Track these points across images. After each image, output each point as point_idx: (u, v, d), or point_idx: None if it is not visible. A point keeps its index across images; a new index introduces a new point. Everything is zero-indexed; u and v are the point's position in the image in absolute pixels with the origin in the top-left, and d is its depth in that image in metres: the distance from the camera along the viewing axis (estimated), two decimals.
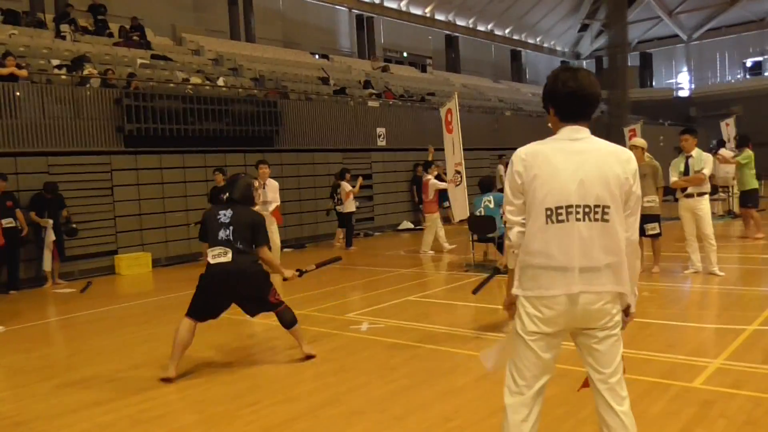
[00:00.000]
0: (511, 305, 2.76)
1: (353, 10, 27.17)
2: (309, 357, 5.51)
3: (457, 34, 32.54)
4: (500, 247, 6.31)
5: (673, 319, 6.24)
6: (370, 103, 18.26)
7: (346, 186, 13.56)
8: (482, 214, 9.77)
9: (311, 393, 4.75)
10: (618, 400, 2.62)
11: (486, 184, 10.24)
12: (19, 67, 11.26)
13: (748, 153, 11.84)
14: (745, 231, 11.85)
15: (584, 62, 40.67)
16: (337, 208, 13.78)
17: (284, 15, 24.72)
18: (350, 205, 13.64)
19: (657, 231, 8.47)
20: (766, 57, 36.42)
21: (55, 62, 13.09)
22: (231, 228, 5.19)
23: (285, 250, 12.90)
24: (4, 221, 9.76)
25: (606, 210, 2.53)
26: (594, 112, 2.69)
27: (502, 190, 7.06)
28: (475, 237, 10.19)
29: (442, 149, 11.51)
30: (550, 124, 2.75)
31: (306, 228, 15.16)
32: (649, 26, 38.56)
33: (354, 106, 17.55)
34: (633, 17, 34.77)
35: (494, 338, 5.90)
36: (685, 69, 39.35)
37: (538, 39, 38.30)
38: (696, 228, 8.36)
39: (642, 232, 7.62)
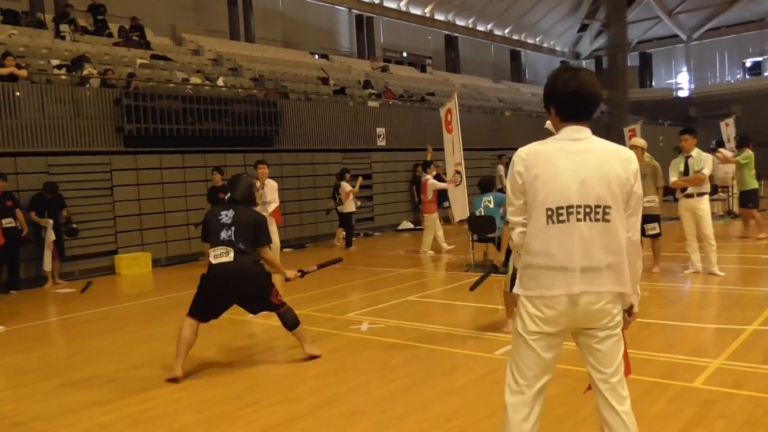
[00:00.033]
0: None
1: (353, 10, 27.17)
2: (312, 357, 5.52)
3: (456, 34, 32.55)
4: (500, 247, 6.31)
5: (673, 319, 6.25)
6: (370, 103, 18.26)
7: (345, 186, 13.56)
8: (482, 214, 9.76)
9: (311, 393, 4.75)
10: (619, 400, 2.62)
11: (486, 184, 10.23)
12: (18, 67, 11.25)
13: (748, 153, 11.83)
14: (745, 231, 11.85)
15: (584, 62, 40.67)
16: (338, 208, 13.79)
17: (284, 15, 24.72)
18: (350, 206, 13.64)
19: (657, 231, 8.48)
20: (765, 57, 36.44)
21: (55, 62, 13.08)
22: (233, 228, 5.19)
23: (285, 250, 12.91)
24: (4, 221, 9.77)
25: (607, 210, 2.53)
26: (595, 112, 2.68)
27: (501, 191, 7.09)
28: (475, 237, 10.19)
29: (442, 149, 11.51)
30: (547, 125, 2.75)
31: (306, 228, 15.16)
32: (648, 26, 38.57)
33: (354, 106, 17.55)
34: (632, 17, 34.78)
35: (494, 338, 5.91)
36: (684, 69, 39.36)
37: (537, 39, 38.30)
38: (696, 228, 8.36)
39: (642, 232, 7.62)
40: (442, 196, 12.93)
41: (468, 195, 10.61)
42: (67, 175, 11.18)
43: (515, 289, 2.71)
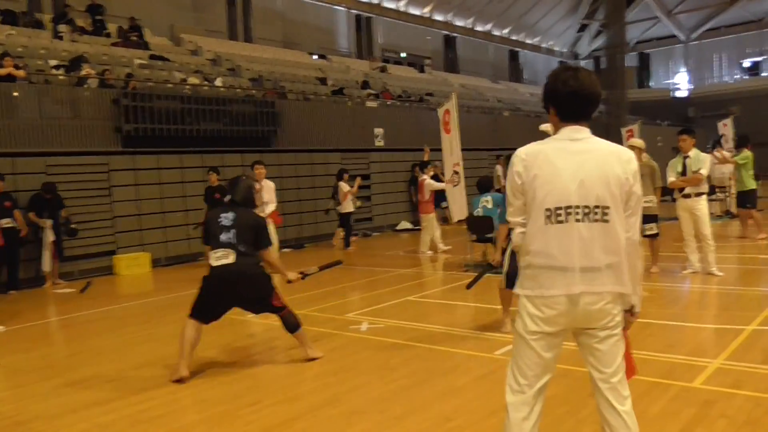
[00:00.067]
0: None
1: (352, 11, 27.16)
2: (314, 359, 5.52)
3: (455, 35, 32.55)
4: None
5: (673, 319, 6.25)
6: (369, 104, 18.27)
7: (344, 186, 13.56)
8: (480, 214, 9.76)
9: (311, 393, 4.76)
10: (620, 400, 2.63)
11: (484, 184, 10.22)
12: (17, 67, 11.24)
13: (747, 154, 11.83)
14: (743, 231, 11.86)
15: (582, 62, 40.67)
16: (337, 208, 13.79)
17: (283, 15, 24.71)
18: (348, 206, 13.63)
19: (654, 231, 8.48)
20: (764, 57, 36.47)
21: (53, 62, 13.07)
22: (233, 230, 5.19)
23: (284, 250, 12.92)
24: (3, 222, 9.78)
25: (606, 210, 2.53)
26: (594, 112, 2.69)
27: (500, 191, 7.09)
28: (474, 237, 10.19)
29: (440, 149, 11.52)
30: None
31: (305, 228, 15.15)
32: (647, 26, 38.60)
33: (352, 107, 17.55)
34: (631, 17, 34.79)
35: (493, 338, 5.91)
36: (683, 69, 39.38)
37: (536, 39, 38.31)
38: (694, 228, 8.37)
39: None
40: (440, 196, 12.92)
41: (466, 195, 10.60)
42: (65, 176, 11.17)
43: (516, 289, 2.72)
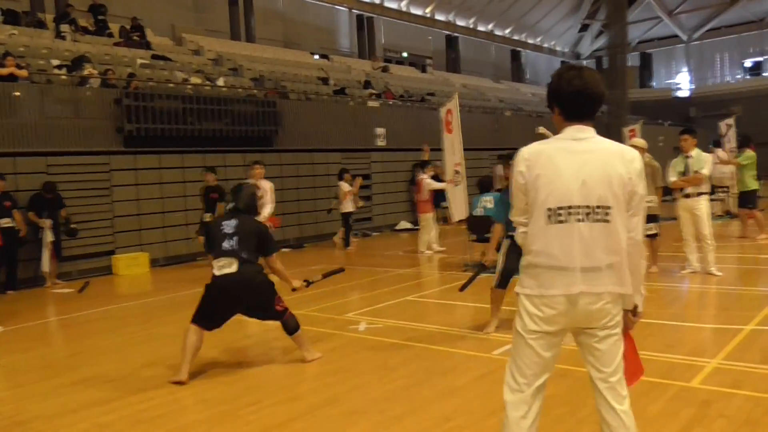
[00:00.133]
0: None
1: (353, 10, 27.17)
2: (312, 361, 5.52)
3: (457, 35, 32.55)
4: (498, 247, 6.30)
5: (672, 319, 6.25)
6: (370, 104, 18.26)
7: (344, 186, 13.56)
8: (481, 214, 9.76)
9: (311, 393, 4.76)
10: (619, 399, 2.62)
11: (485, 184, 10.23)
12: (18, 67, 11.25)
13: (750, 154, 11.81)
14: (743, 231, 11.84)
15: (584, 62, 40.63)
16: (338, 207, 13.80)
17: (284, 15, 24.72)
18: (348, 205, 13.63)
19: (654, 231, 8.47)
20: (765, 57, 36.43)
21: (55, 62, 13.08)
22: (235, 238, 5.18)
23: (284, 250, 12.92)
24: (2, 221, 9.79)
25: (607, 211, 2.53)
26: (598, 111, 2.68)
27: (500, 191, 7.08)
28: (474, 237, 10.18)
29: (441, 149, 11.51)
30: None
31: (305, 228, 15.15)
32: (649, 26, 38.59)
33: (354, 107, 17.55)
34: (633, 17, 34.76)
35: (492, 338, 5.92)
36: (684, 69, 39.36)
37: (538, 39, 38.31)
38: (694, 228, 8.36)
39: None
40: (440, 196, 12.91)
41: (467, 195, 10.60)
42: (66, 175, 11.17)
43: (516, 288, 2.72)
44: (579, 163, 2.54)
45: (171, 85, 13.98)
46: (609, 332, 2.61)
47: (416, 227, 14.02)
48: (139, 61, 15.09)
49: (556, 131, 2.72)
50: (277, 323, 5.52)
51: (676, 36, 38.74)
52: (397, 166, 17.70)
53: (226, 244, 5.18)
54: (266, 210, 10.07)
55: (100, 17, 17.33)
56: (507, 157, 7.27)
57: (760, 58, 36.59)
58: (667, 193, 9.28)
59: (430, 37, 31.18)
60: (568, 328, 2.65)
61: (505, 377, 2.76)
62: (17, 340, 7.03)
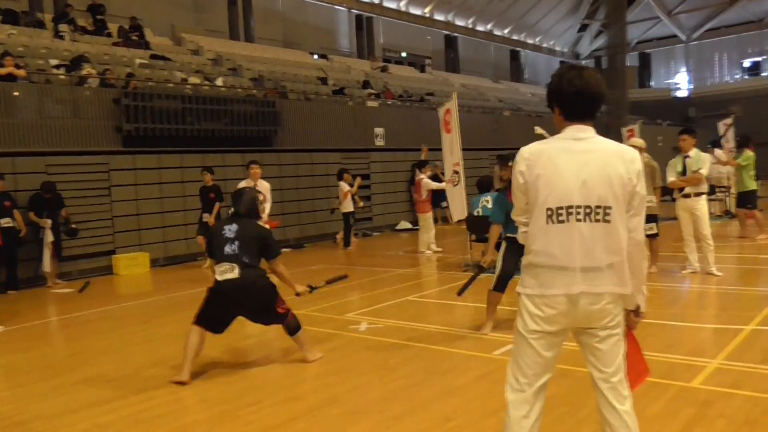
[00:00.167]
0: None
1: (352, 10, 27.17)
2: (312, 362, 5.52)
3: (456, 34, 32.55)
4: (497, 246, 6.29)
5: (672, 319, 6.25)
6: (369, 104, 18.26)
7: (343, 186, 13.56)
8: (480, 214, 9.77)
9: (311, 393, 4.77)
10: (620, 400, 2.62)
11: (484, 184, 10.23)
12: (17, 67, 11.24)
13: (749, 154, 11.80)
14: (742, 231, 11.85)
15: (583, 62, 40.65)
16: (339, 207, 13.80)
17: (283, 15, 24.71)
18: (348, 205, 13.63)
19: (654, 231, 8.48)
20: (764, 57, 36.48)
21: (54, 62, 13.07)
22: (237, 242, 5.18)
23: (284, 250, 12.88)
24: (2, 221, 9.78)
25: (608, 210, 2.53)
26: (598, 111, 2.68)
27: (499, 190, 7.08)
28: (473, 237, 10.19)
29: (440, 149, 11.52)
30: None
31: (305, 228, 15.15)
32: (648, 26, 38.62)
33: (353, 107, 17.55)
34: (632, 17, 34.79)
35: (493, 338, 5.92)
36: (683, 69, 39.41)
37: (537, 39, 38.32)
38: (694, 228, 8.37)
39: None
40: (440, 196, 12.90)
41: (466, 195, 10.61)
42: (65, 175, 11.17)
43: (517, 288, 2.72)
44: (579, 162, 2.55)
45: (170, 85, 13.97)
46: (610, 332, 2.61)
47: (416, 227, 14.03)
48: (138, 60, 15.08)
49: (556, 131, 2.73)
50: (278, 324, 5.52)
51: (676, 36, 38.77)
52: (396, 166, 17.70)
53: (227, 249, 5.18)
54: (266, 208, 10.10)
55: (98, 17, 17.33)
56: (504, 158, 7.28)
57: (759, 58, 36.63)
58: (666, 193, 9.29)
59: (429, 37, 31.19)
60: (569, 327, 2.65)
61: (506, 377, 2.76)
62: (18, 339, 7.03)
